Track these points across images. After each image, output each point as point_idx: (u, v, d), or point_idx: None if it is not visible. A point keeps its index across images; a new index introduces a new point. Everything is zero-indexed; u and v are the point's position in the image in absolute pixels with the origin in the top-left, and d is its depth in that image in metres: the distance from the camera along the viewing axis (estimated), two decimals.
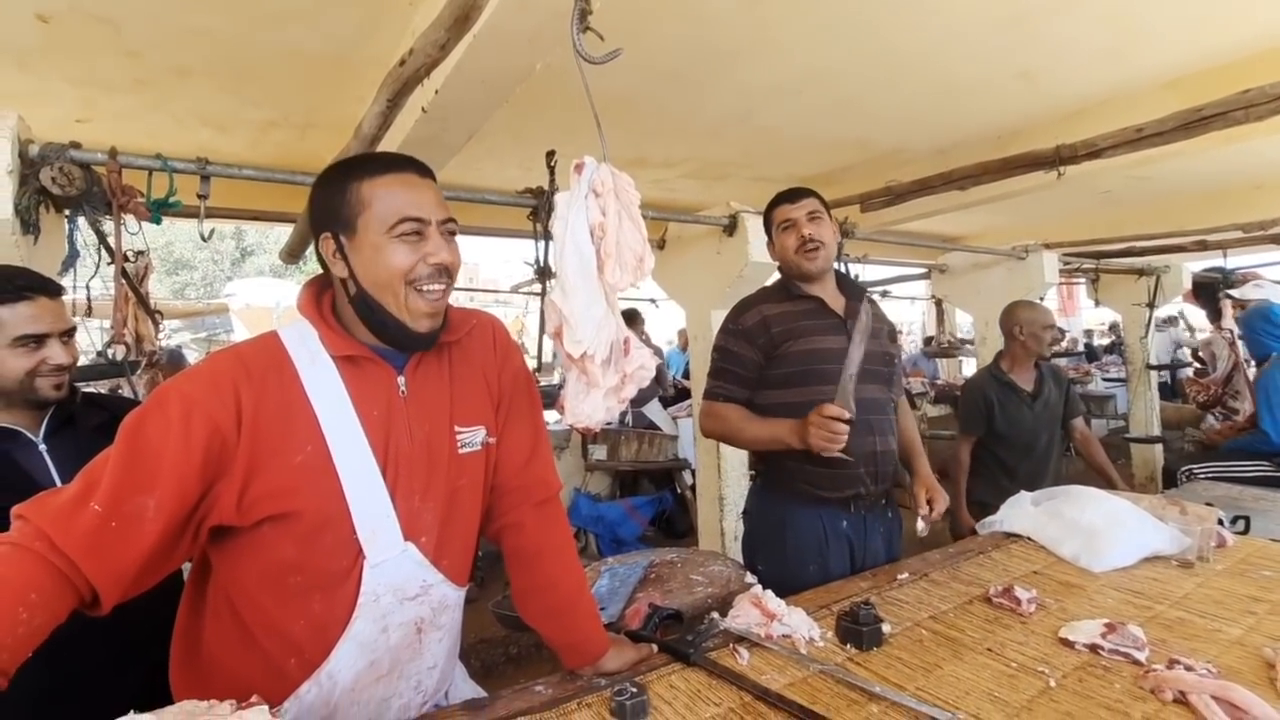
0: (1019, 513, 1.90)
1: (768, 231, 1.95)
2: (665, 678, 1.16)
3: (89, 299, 2.29)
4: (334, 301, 1.05)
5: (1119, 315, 6.45)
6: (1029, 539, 1.81)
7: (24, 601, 0.77)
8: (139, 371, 3.22)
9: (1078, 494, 1.90)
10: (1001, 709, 1.05)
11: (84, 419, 1.39)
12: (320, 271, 1.08)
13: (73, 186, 1.82)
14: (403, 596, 1.01)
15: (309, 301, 1.04)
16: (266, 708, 0.72)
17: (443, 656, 1.11)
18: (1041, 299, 5.29)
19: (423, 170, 1.04)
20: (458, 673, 1.23)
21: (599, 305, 1.06)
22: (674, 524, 5.00)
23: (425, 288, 0.99)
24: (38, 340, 1.29)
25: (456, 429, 1.08)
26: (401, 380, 1.04)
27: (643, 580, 1.70)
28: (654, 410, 5.21)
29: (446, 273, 1.01)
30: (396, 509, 1.00)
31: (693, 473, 4.59)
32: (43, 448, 1.33)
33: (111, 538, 0.83)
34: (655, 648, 1.24)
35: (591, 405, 1.10)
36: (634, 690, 1.04)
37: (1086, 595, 1.48)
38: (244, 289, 10.34)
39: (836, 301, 1.88)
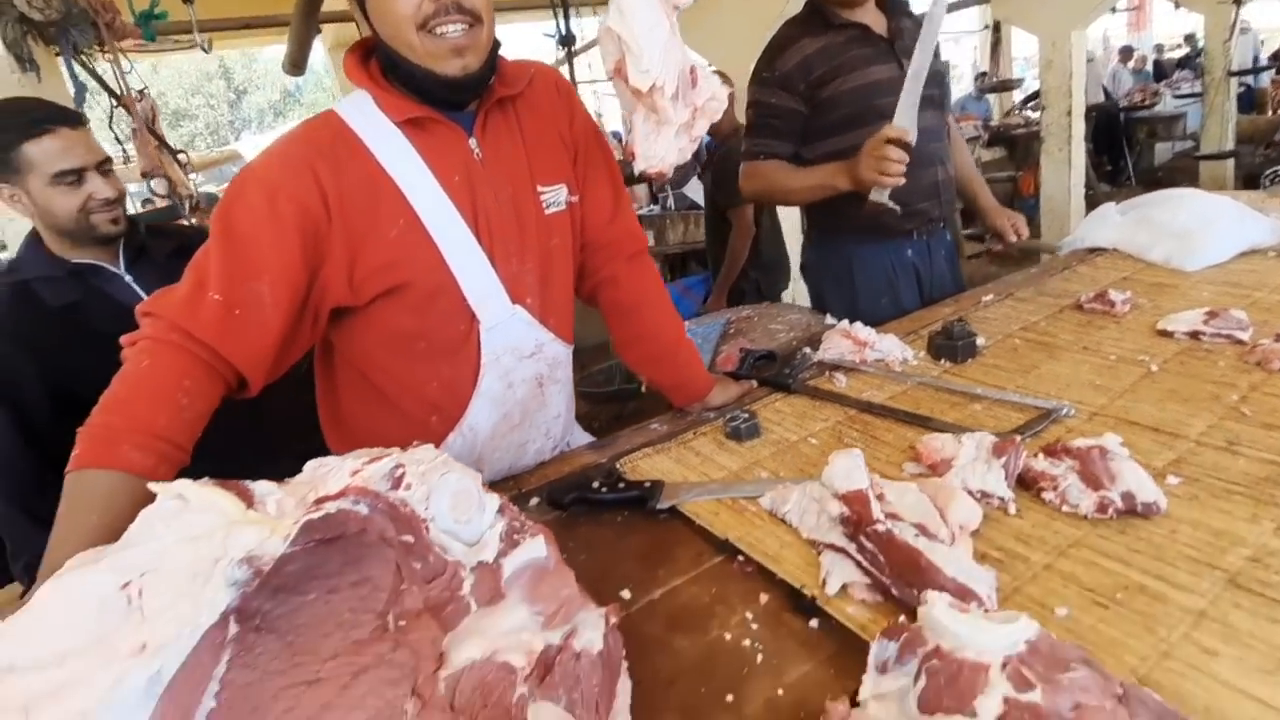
0: (1103, 224, 1.83)
1: None
2: (770, 404, 1.22)
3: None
4: (383, 64, 0.97)
5: (1199, 19, 5.73)
6: (1114, 251, 1.77)
7: (180, 389, 0.80)
8: (186, 213, 3.24)
9: (1166, 196, 1.81)
10: (1103, 394, 1.08)
11: (156, 248, 1.42)
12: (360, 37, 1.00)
13: (51, 9, 1.70)
14: (520, 355, 1.06)
15: (357, 66, 0.96)
16: (431, 445, 0.77)
17: (564, 406, 1.19)
18: (1114, 10, 4.70)
19: None
20: (576, 425, 1.32)
21: (662, 26, 0.94)
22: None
23: (439, 29, 0.88)
24: (76, 175, 1.25)
25: (539, 189, 1.04)
26: (473, 142, 0.99)
27: (724, 335, 1.75)
28: (695, 190, 5.06)
29: (458, 6, 0.87)
30: (498, 273, 1.00)
31: None
32: (128, 278, 1.36)
33: (238, 324, 0.84)
34: (755, 383, 1.29)
35: (664, 145, 1.02)
36: (746, 415, 1.10)
37: (1180, 292, 1.46)
38: (250, 143, 9.91)
39: (879, 23, 1.64)
